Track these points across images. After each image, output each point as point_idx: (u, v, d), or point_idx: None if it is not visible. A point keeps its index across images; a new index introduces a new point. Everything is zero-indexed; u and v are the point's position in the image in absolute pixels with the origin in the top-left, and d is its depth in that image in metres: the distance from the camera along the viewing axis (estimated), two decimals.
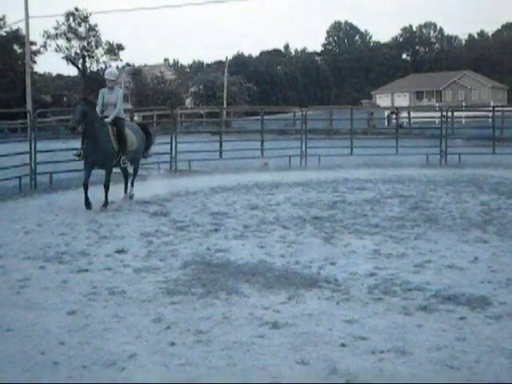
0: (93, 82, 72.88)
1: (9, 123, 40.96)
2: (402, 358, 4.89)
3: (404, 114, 33.90)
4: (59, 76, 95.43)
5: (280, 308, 6.13)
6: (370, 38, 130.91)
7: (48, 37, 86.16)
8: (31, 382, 4.62)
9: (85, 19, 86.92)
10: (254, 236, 9.60)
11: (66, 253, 8.59)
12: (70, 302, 6.42)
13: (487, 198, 13.31)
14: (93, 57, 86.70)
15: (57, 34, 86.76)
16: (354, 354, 5.00)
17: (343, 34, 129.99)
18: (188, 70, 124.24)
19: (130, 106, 71.82)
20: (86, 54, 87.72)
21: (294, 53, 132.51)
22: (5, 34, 74.11)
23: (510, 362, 4.82)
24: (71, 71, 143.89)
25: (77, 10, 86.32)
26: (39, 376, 4.70)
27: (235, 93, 68.36)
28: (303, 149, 21.68)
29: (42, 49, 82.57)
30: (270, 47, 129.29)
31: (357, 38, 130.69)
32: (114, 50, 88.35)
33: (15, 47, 72.87)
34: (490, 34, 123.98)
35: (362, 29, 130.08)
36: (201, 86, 71.74)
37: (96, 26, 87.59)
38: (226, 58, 77.46)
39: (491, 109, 29.91)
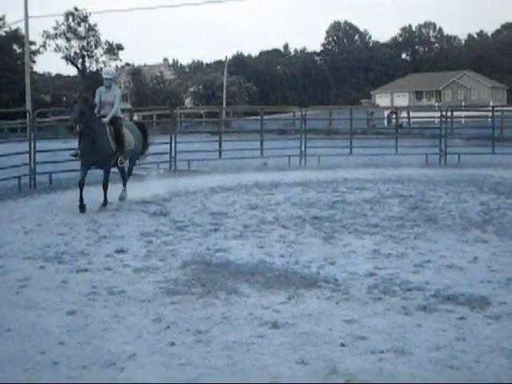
0: (92, 81, 72.73)
1: (8, 123, 40.93)
2: (402, 358, 4.89)
3: (404, 114, 33.92)
4: (59, 76, 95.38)
5: (280, 308, 6.13)
6: (370, 37, 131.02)
7: (47, 37, 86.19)
8: (31, 381, 4.62)
9: (84, 19, 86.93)
10: (254, 236, 9.60)
11: (66, 253, 8.59)
12: (70, 301, 6.42)
13: (487, 197, 13.31)
14: (92, 57, 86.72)
15: (56, 34, 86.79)
16: (354, 353, 5.00)
17: (343, 34, 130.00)
18: (187, 69, 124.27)
19: (129, 106, 71.83)
20: (85, 53, 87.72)
21: (293, 53, 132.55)
22: (4, 34, 74.11)
23: (509, 361, 4.82)
24: (71, 71, 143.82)
25: (76, 9, 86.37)
26: (39, 376, 4.70)
27: (235, 93, 68.38)
28: (303, 149, 21.68)
29: (41, 49, 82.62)
30: (269, 47, 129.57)
31: (356, 37, 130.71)
32: (113, 49, 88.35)
33: (15, 47, 72.85)
34: (489, 33, 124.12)
35: (362, 29, 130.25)
36: (200, 86, 71.77)
37: (95, 25, 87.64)
38: (226, 58, 77.53)
39: (491, 109, 29.91)
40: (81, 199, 11.86)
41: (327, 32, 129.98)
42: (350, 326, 5.62)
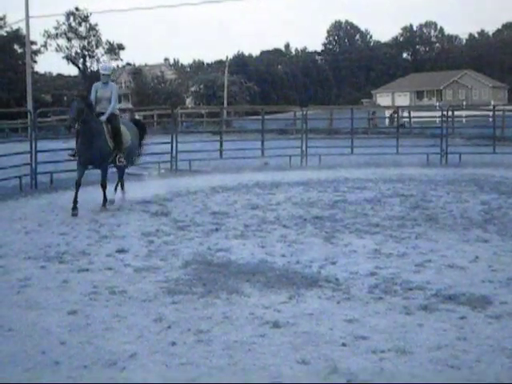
0: (93, 81, 72.81)
1: (9, 123, 40.99)
2: (403, 358, 4.89)
3: (405, 114, 33.89)
4: (60, 76, 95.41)
5: (281, 307, 6.13)
6: (371, 37, 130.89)
7: (48, 36, 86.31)
8: (32, 381, 4.62)
9: (85, 19, 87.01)
10: (255, 235, 9.61)
11: (67, 252, 8.59)
12: (71, 301, 6.42)
13: (488, 197, 13.30)
14: (93, 56, 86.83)
15: (57, 34, 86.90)
16: (355, 353, 5.00)
17: (344, 34, 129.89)
18: (188, 69, 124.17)
19: (130, 106, 71.85)
20: (86, 53, 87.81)
21: (294, 52, 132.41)
22: (5, 34, 74.16)
23: (510, 361, 4.82)
24: (72, 71, 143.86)
25: (77, 9, 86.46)
26: (40, 376, 4.70)
27: (236, 92, 68.45)
28: (304, 148, 21.67)
29: (42, 48, 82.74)
30: (270, 47, 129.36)
31: (357, 37, 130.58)
32: (114, 49, 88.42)
33: (16, 47, 72.91)
34: (490, 33, 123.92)
35: (363, 28, 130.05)
36: (201, 86, 71.83)
37: (96, 25, 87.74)
38: (227, 58, 77.47)
39: (492, 108, 29.90)
40: (75, 201, 11.57)
41: (328, 32, 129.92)
42: (351, 325, 5.62)
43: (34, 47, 72.69)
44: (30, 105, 42.08)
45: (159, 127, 36.83)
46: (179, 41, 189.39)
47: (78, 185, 11.81)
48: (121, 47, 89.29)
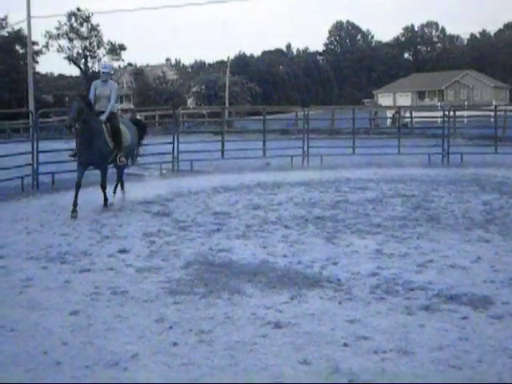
0: None
1: (11, 123, 41.06)
2: (405, 358, 4.89)
3: (407, 114, 33.91)
4: (61, 76, 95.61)
5: (282, 308, 6.13)
6: (372, 37, 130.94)
7: (50, 37, 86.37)
8: (34, 381, 4.63)
9: (87, 19, 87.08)
10: (257, 236, 9.60)
11: (69, 253, 8.59)
12: (73, 302, 6.43)
13: (489, 197, 13.29)
14: (95, 57, 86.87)
15: (59, 35, 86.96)
16: (357, 353, 5.00)
17: (345, 34, 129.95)
18: (190, 69, 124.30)
19: (132, 106, 71.90)
20: (87, 54, 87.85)
21: (295, 52, 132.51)
22: (7, 35, 74.28)
23: None
24: (73, 71, 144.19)
25: (79, 10, 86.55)
26: (42, 376, 4.70)
27: (237, 93, 68.37)
28: (305, 148, 21.67)
29: (43, 49, 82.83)
30: (271, 47, 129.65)
31: (359, 37, 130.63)
32: (115, 50, 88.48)
33: (17, 47, 73.02)
34: (492, 33, 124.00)
35: (364, 28, 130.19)
36: (203, 86, 71.78)
37: (98, 26, 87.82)
38: (228, 58, 77.39)
39: (493, 108, 29.88)
40: (75, 203, 11.47)
41: (329, 32, 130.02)
42: (352, 325, 5.62)
43: (36, 48, 72.81)
44: (31, 105, 42.13)
45: (161, 128, 36.80)
46: (181, 41, 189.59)
47: (78, 186, 11.70)
48: (122, 48, 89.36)
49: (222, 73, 74.59)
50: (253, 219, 11.00)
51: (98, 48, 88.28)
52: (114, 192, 13.22)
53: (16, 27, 71.89)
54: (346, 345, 5.17)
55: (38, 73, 73.22)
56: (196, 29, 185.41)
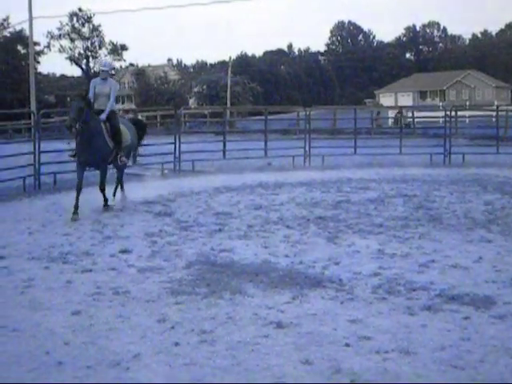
0: None
1: (13, 124, 41.06)
2: (407, 358, 4.89)
3: (409, 114, 33.90)
4: (63, 76, 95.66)
5: (284, 308, 6.13)
6: (374, 37, 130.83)
7: (52, 37, 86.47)
8: (36, 381, 4.63)
9: (88, 19, 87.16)
10: (258, 236, 9.61)
11: (71, 253, 8.60)
12: (75, 302, 6.43)
13: (491, 197, 13.29)
14: (96, 57, 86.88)
15: (60, 35, 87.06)
16: (359, 353, 5.00)
17: (346, 34, 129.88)
18: (191, 70, 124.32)
19: (133, 106, 71.93)
20: (89, 54, 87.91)
21: (297, 52, 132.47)
22: (9, 35, 74.34)
23: None
24: (75, 72, 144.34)
25: (80, 10, 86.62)
26: (44, 376, 4.71)
27: (239, 93, 68.37)
28: (307, 149, 21.65)
29: (45, 49, 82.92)
30: (273, 47, 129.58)
31: (360, 37, 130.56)
32: (117, 50, 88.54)
33: (19, 48, 73.04)
34: (493, 33, 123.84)
35: (366, 28, 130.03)
36: (204, 86, 71.76)
37: (99, 26, 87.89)
38: (230, 58, 77.46)
39: (495, 108, 29.87)
40: (76, 206, 11.36)
41: (331, 32, 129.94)
42: (354, 325, 5.62)
43: (38, 48, 72.87)
44: (33, 105, 42.09)
45: (162, 128, 36.80)
46: (182, 41, 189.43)
47: (78, 189, 11.56)
48: (124, 48, 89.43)
49: (223, 73, 74.59)
50: (254, 219, 11.01)
51: (100, 48, 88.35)
52: (114, 195, 13.16)
53: (18, 27, 71.99)
54: (347, 345, 5.17)
55: (39, 73, 73.22)
56: (198, 29, 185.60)
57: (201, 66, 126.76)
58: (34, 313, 6.13)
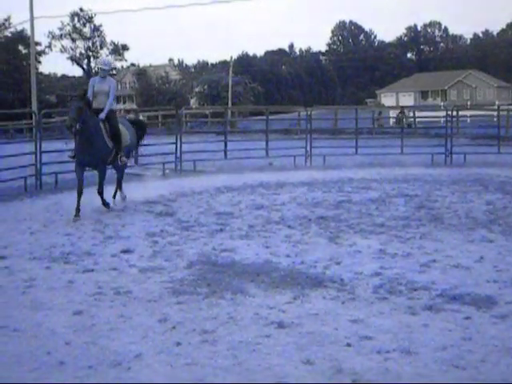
0: None
1: (14, 124, 41.12)
2: (408, 358, 4.89)
3: (411, 114, 33.91)
4: (64, 76, 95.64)
5: (285, 308, 6.13)
6: (375, 37, 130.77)
7: (53, 37, 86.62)
8: (37, 381, 4.63)
9: (89, 19, 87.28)
10: (260, 236, 9.61)
11: (72, 253, 8.60)
12: (76, 302, 6.44)
13: (492, 197, 13.28)
14: (98, 57, 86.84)
15: (61, 35, 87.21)
16: (360, 353, 5.00)
17: (348, 34, 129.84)
18: (193, 70, 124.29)
19: (134, 106, 71.96)
20: (90, 54, 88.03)
21: (298, 52, 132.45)
22: (10, 35, 74.35)
23: None
24: (76, 72, 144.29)
25: (81, 10, 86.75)
26: (45, 376, 4.71)
27: (240, 93, 68.42)
28: (308, 148, 21.67)
29: (46, 49, 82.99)
30: (274, 47, 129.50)
31: (361, 37, 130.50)
32: (118, 50, 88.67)
33: (20, 48, 73.07)
34: (495, 33, 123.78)
35: (367, 28, 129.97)
36: (205, 86, 71.81)
37: (101, 26, 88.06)
38: (231, 58, 77.52)
39: (496, 108, 29.86)
40: (77, 209, 11.30)
41: (332, 32, 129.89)
42: (355, 325, 5.62)
43: (39, 48, 72.88)
44: (34, 105, 42.15)
45: (164, 128, 36.83)
46: (184, 41, 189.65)
47: (80, 191, 11.48)
48: (125, 48, 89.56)
49: (224, 73, 74.64)
50: (256, 219, 11.01)
51: (101, 48, 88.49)
52: (114, 197, 13.08)
53: (19, 27, 72.02)
54: (349, 345, 5.17)
55: (41, 73, 73.20)
56: (199, 29, 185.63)
57: (202, 66, 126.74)
58: (35, 313, 6.13)
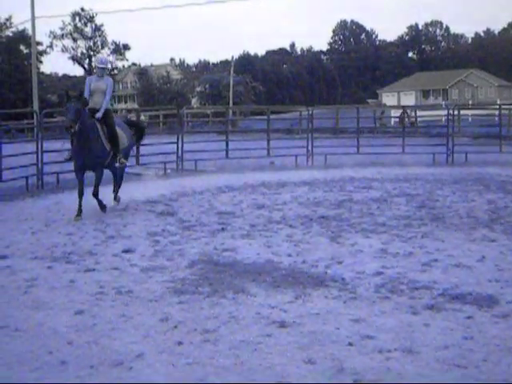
0: None
1: (15, 123, 41.09)
2: (410, 357, 4.89)
3: (413, 113, 33.89)
4: (65, 76, 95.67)
5: (287, 307, 6.13)
6: (376, 36, 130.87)
7: (54, 37, 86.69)
8: (39, 381, 4.63)
9: (91, 19, 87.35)
10: (261, 235, 9.60)
11: (73, 252, 8.61)
12: (78, 301, 6.44)
13: (494, 196, 13.28)
14: None
15: (63, 35, 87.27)
16: (361, 353, 5.00)
17: (349, 33, 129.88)
18: (194, 69, 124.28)
19: (136, 106, 71.96)
20: (91, 53, 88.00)
21: (299, 52, 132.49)
22: (11, 35, 74.44)
23: None
24: (77, 71, 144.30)
25: (83, 10, 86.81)
26: (47, 376, 4.71)
27: (241, 92, 68.45)
28: (309, 148, 21.67)
29: (48, 49, 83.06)
30: (275, 46, 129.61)
31: (363, 36, 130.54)
32: (120, 49, 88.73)
33: (21, 47, 73.19)
34: (496, 32, 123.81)
35: (368, 27, 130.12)
36: (207, 86, 71.90)
37: (102, 25, 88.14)
38: (232, 58, 77.57)
39: (498, 107, 29.84)
40: (79, 210, 11.28)
41: (334, 31, 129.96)
42: (357, 325, 5.61)
43: (40, 48, 73.00)
44: (35, 105, 42.22)
45: (165, 127, 36.84)
46: (185, 41, 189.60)
47: (80, 194, 11.44)
48: (126, 47, 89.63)
49: (226, 72, 74.72)
50: (257, 219, 11.01)
51: (102, 48, 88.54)
52: (114, 199, 12.93)
53: (20, 27, 72.14)
54: (350, 344, 5.17)
55: (42, 73, 73.28)
56: (200, 29, 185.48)
57: (203, 66, 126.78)
58: (36, 312, 6.13)
